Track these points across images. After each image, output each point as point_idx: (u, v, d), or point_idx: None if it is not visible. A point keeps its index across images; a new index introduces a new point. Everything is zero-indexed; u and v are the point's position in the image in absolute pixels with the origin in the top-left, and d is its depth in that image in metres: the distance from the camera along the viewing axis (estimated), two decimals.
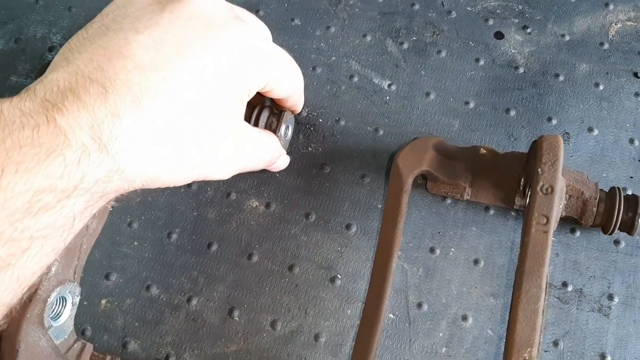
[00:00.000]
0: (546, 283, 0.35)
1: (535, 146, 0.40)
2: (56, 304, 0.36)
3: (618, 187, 0.43)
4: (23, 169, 0.24)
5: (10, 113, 0.25)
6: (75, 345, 0.38)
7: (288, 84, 0.40)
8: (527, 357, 0.33)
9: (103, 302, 0.45)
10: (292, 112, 0.46)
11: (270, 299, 0.45)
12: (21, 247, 0.24)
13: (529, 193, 0.38)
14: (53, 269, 0.34)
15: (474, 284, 0.45)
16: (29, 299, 0.32)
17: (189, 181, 0.34)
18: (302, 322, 0.44)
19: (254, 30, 0.35)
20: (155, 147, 0.30)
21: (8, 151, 0.24)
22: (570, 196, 0.43)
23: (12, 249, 0.24)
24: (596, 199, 0.43)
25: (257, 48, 0.35)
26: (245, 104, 0.36)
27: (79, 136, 0.26)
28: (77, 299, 0.38)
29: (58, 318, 0.37)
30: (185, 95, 0.30)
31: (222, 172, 0.36)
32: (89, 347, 0.40)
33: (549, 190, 0.37)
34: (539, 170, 0.38)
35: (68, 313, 0.37)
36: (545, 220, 0.37)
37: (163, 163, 0.30)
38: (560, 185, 0.39)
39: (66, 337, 0.38)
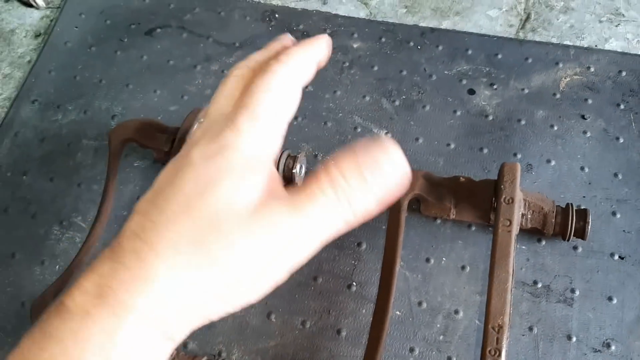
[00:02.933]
0: (512, 269, 0.47)
1: (500, 171, 0.52)
2: None
3: (571, 203, 0.55)
4: None
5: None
6: None
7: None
8: (500, 323, 0.44)
9: None
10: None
11: (300, 304, 0.56)
12: None
13: (496, 204, 0.50)
14: None
15: (462, 285, 0.56)
16: None
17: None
18: (326, 321, 0.55)
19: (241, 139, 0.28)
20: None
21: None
22: (533, 211, 0.54)
23: None
24: (554, 212, 0.54)
25: (238, 158, 0.27)
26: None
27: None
28: None
29: None
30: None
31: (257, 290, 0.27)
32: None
33: (510, 200, 0.49)
34: (502, 186, 0.50)
35: None
36: (508, 223, 0.48)
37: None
38: (519, 197, 0.51)
39: None
